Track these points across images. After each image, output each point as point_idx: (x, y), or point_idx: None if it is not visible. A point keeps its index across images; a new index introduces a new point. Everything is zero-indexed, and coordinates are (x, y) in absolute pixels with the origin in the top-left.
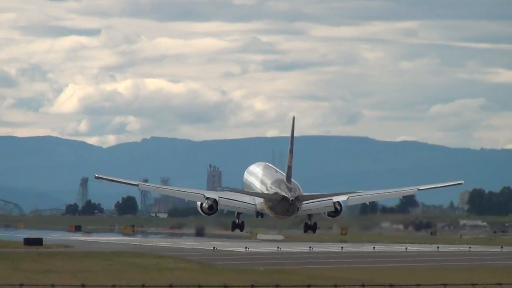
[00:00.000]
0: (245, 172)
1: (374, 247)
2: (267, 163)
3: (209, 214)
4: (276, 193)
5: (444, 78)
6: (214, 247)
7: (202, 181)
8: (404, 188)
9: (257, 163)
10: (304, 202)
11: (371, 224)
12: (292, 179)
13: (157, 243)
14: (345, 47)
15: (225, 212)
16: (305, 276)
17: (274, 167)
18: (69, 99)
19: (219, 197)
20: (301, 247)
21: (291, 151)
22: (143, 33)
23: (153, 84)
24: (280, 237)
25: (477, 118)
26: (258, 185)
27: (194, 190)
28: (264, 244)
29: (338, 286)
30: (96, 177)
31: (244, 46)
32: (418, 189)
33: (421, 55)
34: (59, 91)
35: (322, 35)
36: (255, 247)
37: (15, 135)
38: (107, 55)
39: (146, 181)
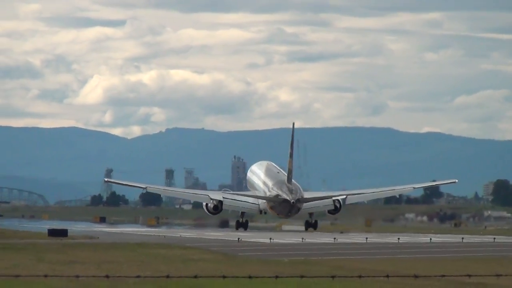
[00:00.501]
0: (249, 171)
1: (398, 238)
2: (269, 162)
3: (214, 214)
4: (277, 196)
5: (468, 69)
6: (238, 238)
7: (226, 172)
8: (399, 187)
9: (260, 162)
10: (303, 206)
11: (396, 215)
12: (293, 180)
13: (181, 234)
14: (370, 38)
15: (229, 211)
16: (330, 267)
17: (277, 167)
18: (94, 90)
19: (223, 197)
20: (326, 238)
21: (291, 155)
22: (168, 24)
23: (178, 75)
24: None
25: (501, 109)
26: (261, 185)
27: (199, 192)
28: (289, 235)
29: (363, 277)
30: (105, 181)
31: (269, 37)
32: (413, 188)
33: (446, 46)
34: (83, 82)
35: (347, 26)
36: (279, 238)
37: (39, 126)
38: (132, 46)
39: (171, 172)
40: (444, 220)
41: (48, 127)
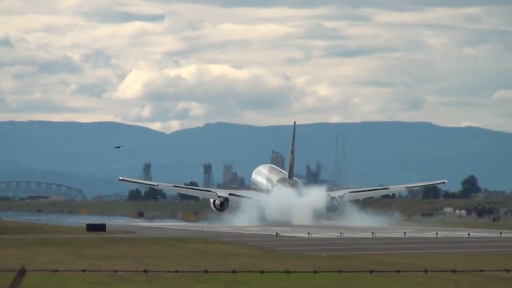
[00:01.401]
0: (253, 173)
1: (436, 233)
2: (272, 165)
3: (220, 211)
4: (281, 189)
5: (507, 64)
6: (276, 233)
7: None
8: (393, 186)
9: (263, 165)
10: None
11: (434, 209)
12: (294, 177)
13: (219, 229)
14: (409, 33)
15: (234, 208)
16: (368, 262)
17: (278, 168)
18: (133, 85)
19: (229, 194)
20: (364, 233)
21: (292, 151)
22: (206, 19)
23: (216, 70)
24: (343, 222)
25: None
26: (264, 183)
27: (207, 189)
28: (327, 230)
29: (401, 271)
30: (120, 179)
31: (307, 32)
32: (406, 187)
33: (484, 41)
34: (122, 76)
35: (386, 21)
36: (317, 233)
37: (78, 120)
38: (171, 40)
39: (209, 167)
40: (482, 215)
41: (87, 122)
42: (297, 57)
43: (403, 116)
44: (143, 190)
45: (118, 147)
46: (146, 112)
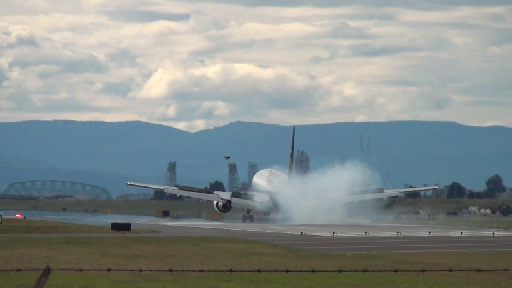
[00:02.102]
0: (255, 176)
1: (461, 232)
2: (271, 170)
3: (223, 212)
4: (280, 190)
5: None
6: (301, 232)
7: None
8: (387, 190)
9: (264, 169)
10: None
11: (459, 208)
12: (293, 180)
13: (244, 228)
14: (434, 32)
15: (237, 209)
16: (393, 261)
17: (278, 173)
18: (158, 84)
19: (231, 197)
20: (389, 232)
21: (292, 155)
22: (232, 18)
23: (242, 69)
24: (368, 221)
25: None
26: (265, 185)
27: (210, 192)
28: (352, 229)
29: (426, 271)
30: (128, 184)
31: (333, 31)
32: (399, 192)
33: (509, 40)
34: (147, 76)
35: (411, 20)
36: (342, 232)
37: (103, 120)
38: (196, 40)
39: (234, 166)
40: (507, 214)
41: (112, 121)
42: (322, 56)
43: (427, 116)
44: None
45: (228, 157)
46: (171, 111)
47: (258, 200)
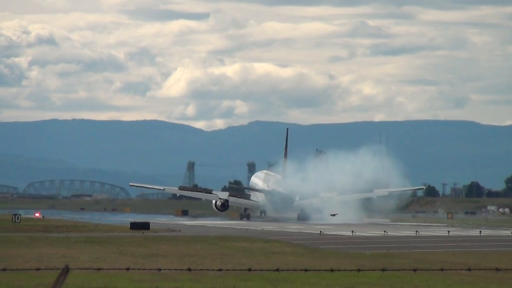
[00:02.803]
0: (252, 177)
1: (480, 231)
2: (267, 171)
3: (222, 211)
4: (274, 189)
5: None
6: (320, 231)
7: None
8: (377, 190)
9: (261, 171)
10: (296, 200)
11: (477, 208)
12: (287, 179)
13: (263, 227)
14: (453, 31)
15: (234, 208)
16: (411, 260)
17: (274, 174)
18: (177, 83)
19: (229, 196)
20: (408, 231)
21: (285, 155)
22: (251, 17)
23: (261, 68)
24: (387, 220)
25: None
26: (261, 184)
27: (209, 192)
28: (371, 228)
29: (445, 270)
30: (130, 185)
31: (352, 30)
32: (389, 192)
33: None
34: (167, 75)
35: (430, 19)
36: (361, 231)
37: (122, 119)
38: (216, 39)
39: (253, 165)
40: None
41: (131, 120)
42: (341, 56)
43: (446, 115)
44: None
45: (334, 215)
46: (191, 110)
47: (255, 199)
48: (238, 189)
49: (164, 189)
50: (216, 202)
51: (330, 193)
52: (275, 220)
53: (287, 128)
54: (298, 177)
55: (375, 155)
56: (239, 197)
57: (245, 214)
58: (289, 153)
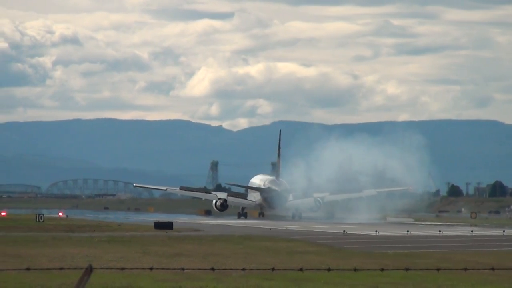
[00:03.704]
0: (252, 178)
1: (503, 231)
2: (265, 174)
3: (221, 210)
4: (269, 187)
5: None
6: (344, 231)
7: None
8: (366, 190)
9: (260, 174)
10: (290, 200)
11: (501, 207)
12: (280, 179)
13: (287, 226)
14: (477, 30)
15: (232, 207)
16: (435, 259)
17: (271, 176)
18: (201, 83)
19: (227, 196)
20: (431, 231)
21: (279, 155)
22: (275, 17)
23: (285, 67)
24: (410, 220)
25: None
26: (257, 182)
27: (208, 192)
28: (394, 228)
29: (468, 269)
30: (134, 186)
31: (376, 29)
32: (377, 191)
33: None
34: (190, 74)
35: (454, 19)
36: (385, 231)
37: (146, 118)
38: (240, 38)
39: (275, 164)
40: None
41: (155, 119)
42: (365, 55)
43: (470, 114)
44: (210, 188)
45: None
46: (214, 110)
47: (252, 199)
48: (237, 186)
49: (166, 189)
50: (216, 202)
51: (322, 193)
52: (271, 218)
53: (280, 130)
54: (296, 176)
55: (398, 155)
56: (237, 197)
57: (243, 213)
58: (312, 152)
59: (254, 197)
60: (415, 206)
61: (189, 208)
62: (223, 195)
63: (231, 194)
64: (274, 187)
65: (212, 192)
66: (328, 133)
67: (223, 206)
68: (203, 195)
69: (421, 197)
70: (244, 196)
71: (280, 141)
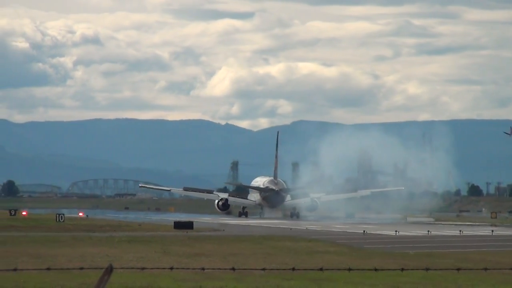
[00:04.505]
0: (253, 180)
1: None
2: (265, 175)
3: (223, 210)
4: (267, 187)
5: None
6: (364, 231)
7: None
8: (361, 191)
9: (260, 176)
10: (287, 200)
11: None
12: (278, 178)
13: (307, 226)
14: (498, 30)
15: (233, 206)
16: (455, 259)
17: (270, 177)
18: (221, 83)
19: (229, 196)
20: (451, 231)
21: (276, 156)
22: (296, 17)
23: (305, 67)
24: (431, 219)
25: None
26: (257, 182)
27: (210, 192)
28: (414, 227)
29: (488, 269)
30: (140, 186)
31: (396, 29)
32: (371, 191)
33: None
34: (211, 74)
35: (475, 19)
36: (405, 231)
37: (166, 118)
38: (261, 38)
39: (296, 165)
40: None
41: (175, 119)
42: (386, 55)
43: (491, 114)
44: (231, 188)
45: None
46: (235, 109)
47: (252, 198)
48: (238, 186)
49: (170, 190)
50: (218, 202)
51: (318, 193)
52: (269, 217)
53: (278, 132)
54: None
55: (418, 155)
56: (237, 197)
57: (243, 212)
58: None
59: (254, 197)
60: (436, 205)
61: (210, 207)
62: (224, 195)
63: (232, 194)
64: (272, 187)
65: (214, 192)
66: (348, 133)
67: (225, 206)
68: (206, 195)
69: (442, 196)
70: (244, 196)
71: (277, 143)
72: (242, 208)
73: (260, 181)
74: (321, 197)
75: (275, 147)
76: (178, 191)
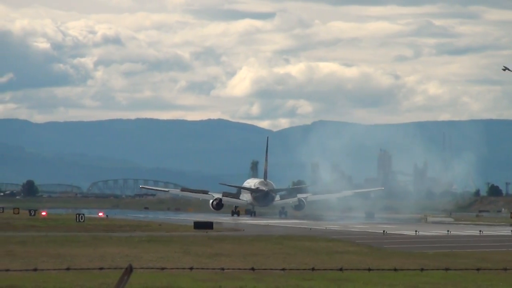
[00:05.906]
0: (246, 181)
1: None
2: (257, 178)
3: (217, 209)
4: (258, 188)
5: None
6: (384, 231)
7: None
8: (344, 191)
9: (252, 178)
10: (276, 199)
11: None
12: (268, 180)
13: (327, 226)
14: None
15: (226, 206)
16: (475, 259)
17: (261, 179)
18: (241, 83)
19: (222, 196)
20: (471, 231)
21: (266, 159)
22: (317, 17)
23: (326, 67)
24: (451, 219)
25: None
26: (249, 183)
27: (204, 192)
28: (434, 227)
29: (508, 269)
30: (141, 187)
31: (417, 29)
32: (354, 192)
33: None
34: (231, 74)
35: (496, 19)
36: (425, 231)
37: (186, 118)
38: (281, 38)
39: (316, 164)
40: None
41: (195, 119)
42: (406, 55)
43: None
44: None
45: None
46: (255, 109)
47: (244, 198)
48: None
49: (168, 191)
50: (212, 201)
51: (305, 194)
52: (260, 216)
53: (267, 136)
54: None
55: (439, 155)
56: (230, 197)
57: (236, 211)
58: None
59: (246, 197)
60: (455, 205)
61: (230, 207)
62: (218, 195)
63: (226, 194)
64: (262, 188)
65: (209, 193)
66: (369, 133)
67: (219, 205)
68: (201, 196)
69: (461, 196)
70: (237, 196)
71: (267, 147)
72: (234, 207)
73: (251, 182)
74: (307, 197)
75: (265, 151)
76: (176, 192)
